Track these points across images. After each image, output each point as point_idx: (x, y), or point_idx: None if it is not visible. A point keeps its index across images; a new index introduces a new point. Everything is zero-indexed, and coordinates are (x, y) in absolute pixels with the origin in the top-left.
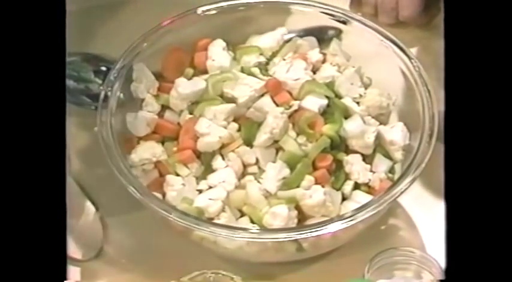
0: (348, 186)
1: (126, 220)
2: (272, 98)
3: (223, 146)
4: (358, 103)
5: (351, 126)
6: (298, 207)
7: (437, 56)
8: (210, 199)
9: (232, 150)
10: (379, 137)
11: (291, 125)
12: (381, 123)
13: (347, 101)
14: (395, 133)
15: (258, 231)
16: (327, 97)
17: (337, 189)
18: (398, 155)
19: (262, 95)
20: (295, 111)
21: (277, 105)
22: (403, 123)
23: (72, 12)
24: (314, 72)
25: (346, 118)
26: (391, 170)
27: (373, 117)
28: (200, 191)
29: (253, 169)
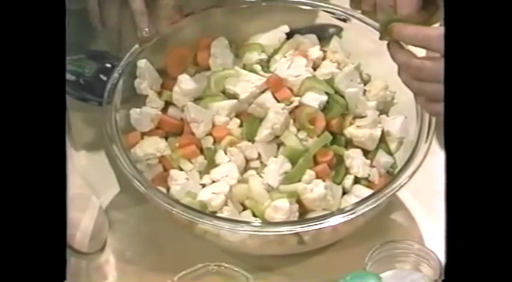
0: (348, 181)
1: (130, 214)
2: (273, 94)
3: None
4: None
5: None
6: (299, 201)
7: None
8: (213, 193)
9: (235, 145)
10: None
11: (291, 121)
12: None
13: (358, 95)
14: (394, 125)
15: (260, 224)
16: (327, 93)
17: (338, 184)
18: (393, 146)
19: (264, 91)
20: (296, 107)
21: (278, 101)
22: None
23: (77, 10)
24: (314, 69)
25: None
26: (393, 166)
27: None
28: (203, 185)
29: (256, 164)
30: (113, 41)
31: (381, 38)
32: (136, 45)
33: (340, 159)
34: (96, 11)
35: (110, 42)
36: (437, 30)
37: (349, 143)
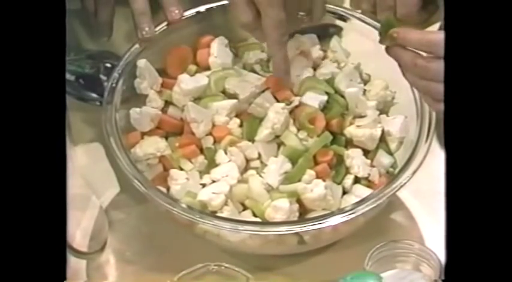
0: (348, 180)
1: (131, 213)
2: (273, 94)
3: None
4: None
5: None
6: (299, 201)
7: None
8: (213, 193)
9: (235, 145)
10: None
11: (291, 121)
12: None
13: (358, 95)
14: (395, 125)
15: (260, 224)
16: (327, 93)
17: (338, 183)
18: (393, 146)
19: (263, 91)
20: (296, 106)
21: (277, 101)
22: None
23: (77, 10)
24: (314, 69)
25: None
26: (393, 165)
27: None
28: (204, 185)
29: (256, 164)
30: (104, 37)
31: (380, 42)
32: (137, 45)
33: (340, 159)
34: (91, 7)
35: (101, 38)
36: (440, 35)
37: (349, 143)
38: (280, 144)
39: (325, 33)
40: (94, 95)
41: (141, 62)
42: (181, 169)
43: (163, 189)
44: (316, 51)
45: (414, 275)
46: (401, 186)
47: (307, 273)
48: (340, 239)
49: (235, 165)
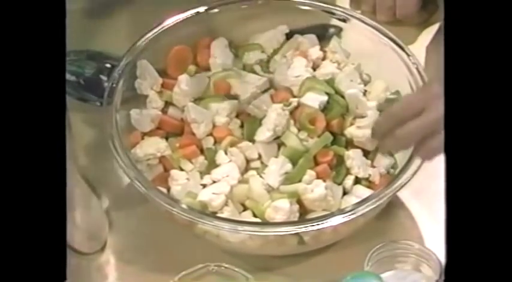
0: (348, 181)
1: (131, 214)
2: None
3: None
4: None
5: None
6: (299, 201)
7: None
8: (213, 193)
9: (235, 146)
10: None
11: (292, 121)
12: None
13: (358, 95)
14: None
15: (260, 224)
16: (327, 93)
17: (338, 184)
18: None
19: (264, 92)
20: (296, 107)
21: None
22: None
23: (76, 10)
24: (314, 69)
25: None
26: (394, 166)
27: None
28: (204, 186)
29: (256, 164)
30: None
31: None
32: (137, 46)
33: (340, 160)
34: None
35: None
36: (437, 113)
37: (349, 144)
38: (280, 144)
39: (325, 33)
40: (94, 96)
41: (142, 63)
42: (182, 169)
43: (164, 190)
44: (316, 52)
45: (414, 275)
46: (402, 187)
47: (307, 274)
48: (340, 239)
49: (235, 166)
